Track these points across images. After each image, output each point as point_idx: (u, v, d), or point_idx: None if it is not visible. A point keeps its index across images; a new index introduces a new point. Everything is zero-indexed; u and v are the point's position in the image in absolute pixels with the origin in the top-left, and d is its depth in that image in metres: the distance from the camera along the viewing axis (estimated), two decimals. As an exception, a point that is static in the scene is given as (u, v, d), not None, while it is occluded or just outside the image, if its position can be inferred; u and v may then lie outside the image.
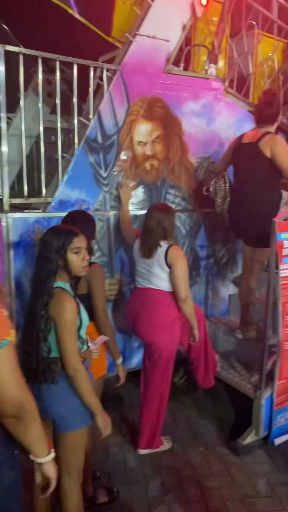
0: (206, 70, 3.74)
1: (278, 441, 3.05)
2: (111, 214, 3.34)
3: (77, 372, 1.88)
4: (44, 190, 3.14)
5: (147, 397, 2.96)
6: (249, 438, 3.06)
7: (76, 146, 3.14)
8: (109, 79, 3.21)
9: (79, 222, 2.33)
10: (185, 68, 3.68)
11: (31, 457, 1.42)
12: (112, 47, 3.65)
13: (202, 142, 3.74)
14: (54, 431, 2.01)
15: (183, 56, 3.60)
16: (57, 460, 1.89)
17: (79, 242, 1.97)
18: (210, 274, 4.06)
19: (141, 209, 3.48)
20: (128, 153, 3.36)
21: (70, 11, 3.37)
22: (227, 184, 3.56)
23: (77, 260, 1.96)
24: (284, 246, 2.81)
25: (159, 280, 2.84)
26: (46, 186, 3.19)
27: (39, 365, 1.91)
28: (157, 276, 2.84)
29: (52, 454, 1.44)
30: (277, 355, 2.95)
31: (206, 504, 2.60)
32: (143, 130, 3.40)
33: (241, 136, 3.38)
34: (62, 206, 3.08)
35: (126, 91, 3.27)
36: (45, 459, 1.42)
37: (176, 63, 3.55)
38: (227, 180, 3.57)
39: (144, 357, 3.00)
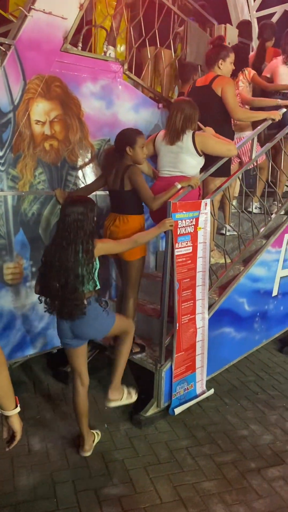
0: (105, 52, 3.74)
1: (178, 410, 3.22)
2: (9, 194, 3.23)
3: (136, 242, 2.81)
4: None
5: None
6: (151, 411, 3.21)
7: None
8: (4, 54, 3.08)
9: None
10: (84, 49, 3.64)
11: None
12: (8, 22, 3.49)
13: (102, 124, 3.74)
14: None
15: (81, 36, 3.55)
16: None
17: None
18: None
19: (42, 189, 3.41)
20: (25, 132, 3.26)
21: None
22: None
23: None
24: (179, 226, 2.95)
25: None
26: None
27: (83, 301, 2.47)
28: None
29: (18, 409, 1.56)
30: (174, 329, 3.10)
31: (110, 476, 2.68)
32: (41, 109, 3.32)
33: (194, 82, 3.87)
34: None
35: (22, 68, 3.16)
36: (12, 412, 1.54)
37: (74, 43, 3.50)
38: None
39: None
